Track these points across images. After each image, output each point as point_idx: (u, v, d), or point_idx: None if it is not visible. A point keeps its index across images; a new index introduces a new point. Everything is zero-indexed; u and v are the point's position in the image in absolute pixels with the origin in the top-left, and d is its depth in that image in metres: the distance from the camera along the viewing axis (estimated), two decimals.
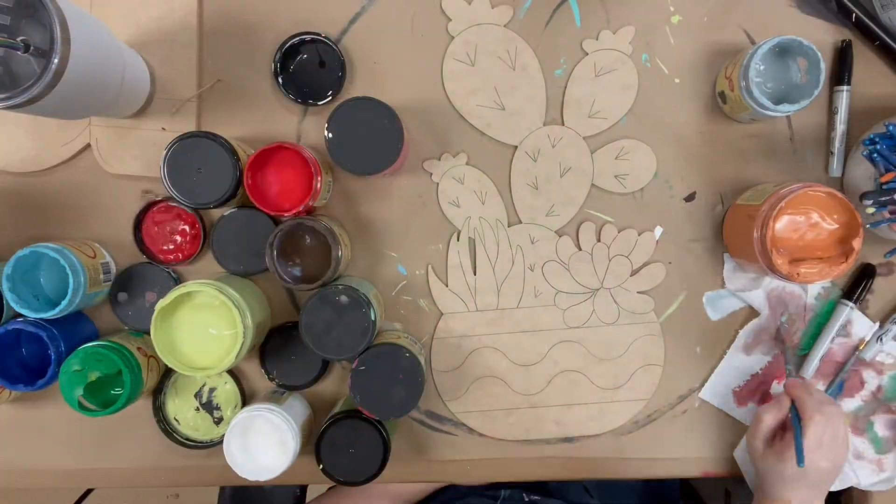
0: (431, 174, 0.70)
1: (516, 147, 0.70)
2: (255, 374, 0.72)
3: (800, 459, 0.60)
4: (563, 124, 0.70)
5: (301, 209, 0.62)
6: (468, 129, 0.70)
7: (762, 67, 0.64)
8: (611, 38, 0.69)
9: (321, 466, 0.64)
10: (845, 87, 0.68)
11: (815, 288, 0.71)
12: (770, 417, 0.64)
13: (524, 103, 0.70)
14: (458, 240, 0.71)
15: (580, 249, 0.71)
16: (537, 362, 0.72)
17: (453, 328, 0.71)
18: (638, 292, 0.71)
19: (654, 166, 0.70)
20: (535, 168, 0.70)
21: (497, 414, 0.72)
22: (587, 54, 0.69)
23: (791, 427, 0.63)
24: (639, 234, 0.71)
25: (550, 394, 0.72)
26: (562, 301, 0.71)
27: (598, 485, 0.83)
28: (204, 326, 0.61)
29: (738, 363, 0.71)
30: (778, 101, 0.64)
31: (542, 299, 0.71)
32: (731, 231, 0.68)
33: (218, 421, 0.71)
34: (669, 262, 0.71)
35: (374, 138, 0.61)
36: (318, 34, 0.68)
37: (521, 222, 0.71)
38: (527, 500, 0.81)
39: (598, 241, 0.70)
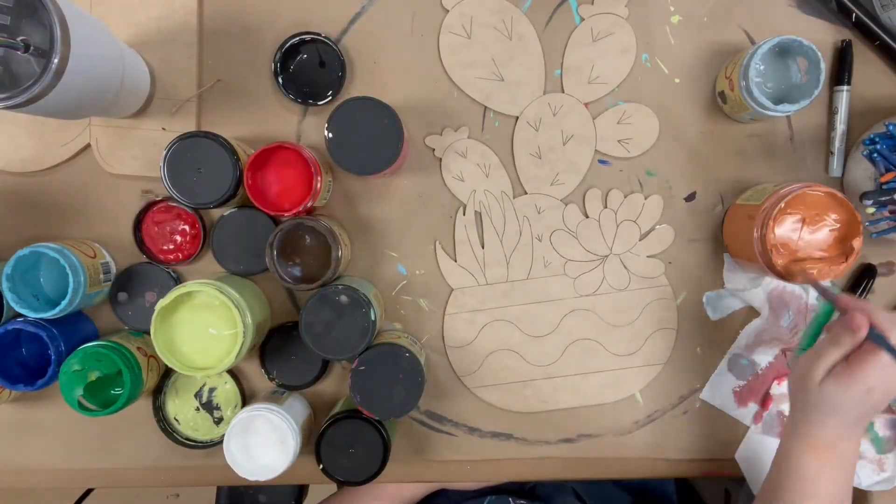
0: (434, 150, 0.70)
1: (517, 117, 0.70)
2: (255, 374, 0.72)
3: None
4: (563, 91, 0.70)
5: (301, 209, 0.62)
6: (468, 102, 0.70)
7: (762, 67, 0.64)
8: (606, 2, 0.69)
9: (321, 466, 0.64)
10: (845, 87, 0.68)
11: None
12: (840, 352, 0.54)
13: (523, 73, 0.69)
14: (464, 214, 0.71)
15: (587, 217, 0.71)
16: (550, 333, 0.72)
17: (464, 303, 0.71)
18: (647, 256, 0.71)
19: (657, 128, 0.70)
20: (537, 137, 0.70)
21: (513, 386, 0.72)
22: (583, 20, 0.69)
23: (855, 353, 0.54)
24: (645, 198, 0.70)
25: (565, 363, 0.72)
26: (571, 270, 0.71)
27: (589, 491, 0.83)
28: (204, 326, 0.61)
29: (739, 363, 0.71)
30: (778, 101, 0.64)
31: (552, 269, 0.71)
32: (731, 231, 0.68)
33: (218, 421, 0.71)
34: (669, 263, 0.71)
35: (374, 138, 0.61)
36: (318, 34, 0.68)
37: (526, 193, 0.71)
38: None
39: (605, 207, 0.70)
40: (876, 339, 0.53)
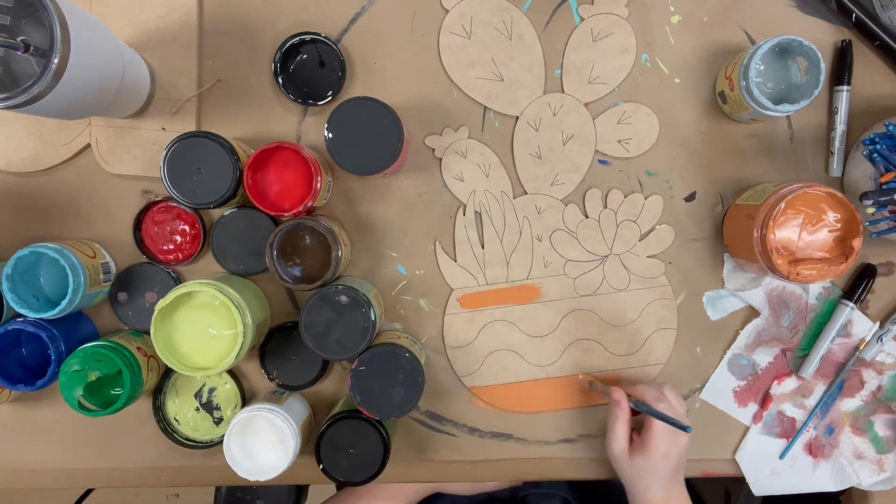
0: (434, 150, 0.70)
1: (517, 117, 0.70)
2: (255, 374, 0.72)
3: (683, 427, 0.61)
4: (563, 91, 0.70)
5: (301, 209, 0.62)
6: (468, 102, 0.70)
7: (762, 67, 0.64)
8: (606, 1, 0.69)
9: (321, 466, 0.64)
10: (845, 87, 0.68)
11: (815, 288, 0.71)
12: (622, 418, 0.65)
13: (523, 73, 0.69)
14: (464, 214, 0.71)
15: (587, 217, 0.71)
16: (550, 333, 0.72)
17: (464, 303, 0.71)
18: (647, 256, 0.71)
19: (657, 128, 0.70)
20: (537, 137, 0.70)
21: (513, 387, 0.72)
22: (583, 20, 0.69)
23: (643, 423, 0.65)
24: (645, 198, 0.70)
25: (565, 364, 0.72)
26: (571, 270, 0.71)
27: (582, 497, 0.83)
28: (204, 326, 0.61)
29: (739, 363, 0.71)
30: (778, 101, 0.64)
31: (552, 269, 0.71)
32: (731, 231, 0.68)
33: (218, 421, 0.71)
34: (669, 263, 0.71)
35: (374, 138, 0.61)
36: (318, 34, 0.68)
37: (526, 193, 0.71)
38: None
39: (605, 207, 0.70)
40: (637, 405, 0.64)
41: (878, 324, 0.70)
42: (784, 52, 0.64)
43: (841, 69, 0.68)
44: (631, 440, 0.65)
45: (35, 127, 0.67)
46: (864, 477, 0.71)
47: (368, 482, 0.64)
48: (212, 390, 0.71)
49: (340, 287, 0.62)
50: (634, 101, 0.70)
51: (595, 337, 0.72)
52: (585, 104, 0.70)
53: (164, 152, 0.61)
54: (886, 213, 0.62)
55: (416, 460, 0.73)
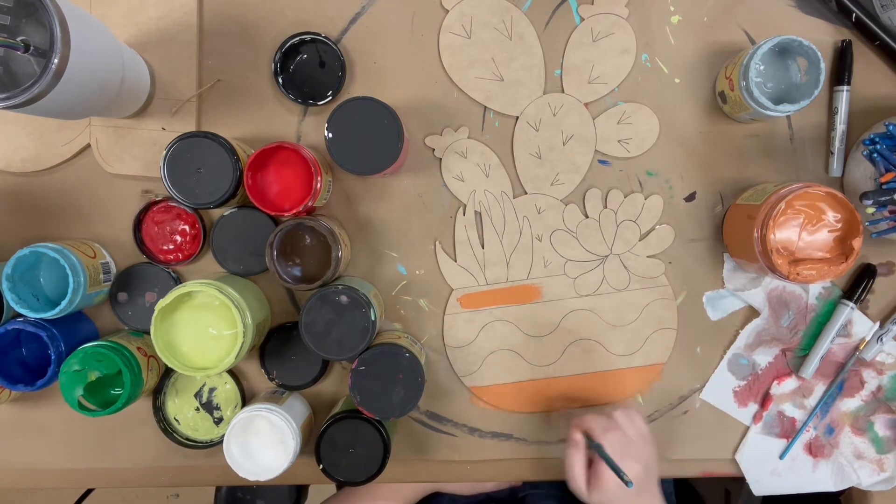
0: (434, 150, 0.70)
1: (517, 117, 0.70)
2: (255, 374, 0.72)
3: (623, 479, 0.59)
4: (563, 91, 0.70)
5: (301, 209, 0.62)
6: (468, 102, 0.70)
7: (762, 67, 0.64)
8: (606, 1, 0.69)
9: (321, 466, 0.64)
10: (845, 87, 0.68)
11: (815, 288, 0.71)
12: (578, 459, 0.63)
13: (523, 73, 0.70)
14: (464, 214, 0.71)
15: (587, 217, 0.71)
16: (550, 333, 0.72)
17: (464, 303, 0.71)
18: (647, 256, 0.71)
19: (657, 128, 0.70)
20: (537, 137, 0.70)
21: (513, 387, 0.72)
22: (583, 20, 0.69)
23: (597, 458, 0.62)
24: (645, 198, 0.70)
25: (565, 364, 0.72)
26: (571, 270, 0.71)
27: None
28: (204, 326, 0.61)
29: (739, 363, 0.71)
30: (778, 101, 0.64)
31: (552, 269, 0.71)
32: (731, 231, 0.68)
33: (218, 421, 0.71)
34: (669, 262, 0.71)
35: (374, 138, 0.61)
36: (318, 34, 0.68)
37: (526, 193, 0.71)
38: None
39: (605, 207, 0.70)
40: (594, 447, 0.62)
41: (878, 324, 0.70)
42: (784, 52, 0.64)
43: (841, 69, 0.68)
44: (589, 475, 0.63)
45: (35, 127, 0.67)
46: (864, 477, 0.72)
47: (368, 482, 0.64)
48: (212, 390, 0.71)
49: (340, 287, 0.62)
50: (634, 101, 0.70)
51: (595, 337, 0.72)
52: (585, 104, 0.70)
53: (164, 152, 0.61)
54: (886, 213, 0.62)
55: (416, 460, 0.73)
